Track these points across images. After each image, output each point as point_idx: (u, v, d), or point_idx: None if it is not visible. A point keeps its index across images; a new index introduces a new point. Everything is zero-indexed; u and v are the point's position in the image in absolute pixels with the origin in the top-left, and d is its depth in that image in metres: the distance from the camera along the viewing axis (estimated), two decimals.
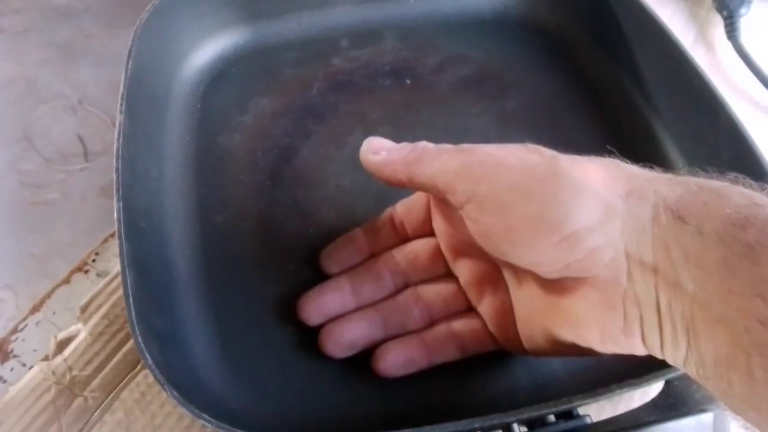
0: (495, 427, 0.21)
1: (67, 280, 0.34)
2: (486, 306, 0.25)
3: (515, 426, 0.23)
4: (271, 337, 0.26)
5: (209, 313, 0.27)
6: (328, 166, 0.32)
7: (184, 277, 0.27)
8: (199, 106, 0.33)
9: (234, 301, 0.27)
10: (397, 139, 0.33)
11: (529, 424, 0.23)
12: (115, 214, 0.24)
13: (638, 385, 0.21)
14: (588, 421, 0.23)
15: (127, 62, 0.29)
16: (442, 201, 0.25)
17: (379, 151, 0.25)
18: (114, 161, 0.26)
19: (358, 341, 0.25)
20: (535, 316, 0.23)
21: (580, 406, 0.22)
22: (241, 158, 0.32)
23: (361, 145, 0.32)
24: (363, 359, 0.26)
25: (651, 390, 0.27)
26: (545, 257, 0.20)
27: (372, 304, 0.26)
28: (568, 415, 0.24)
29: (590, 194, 0.20)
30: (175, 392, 0.20)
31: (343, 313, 0.26)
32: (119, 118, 0.27)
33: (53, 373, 0.30)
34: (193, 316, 0.26)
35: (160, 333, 0.24)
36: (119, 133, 0.26)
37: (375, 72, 0.36)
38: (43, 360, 0.30)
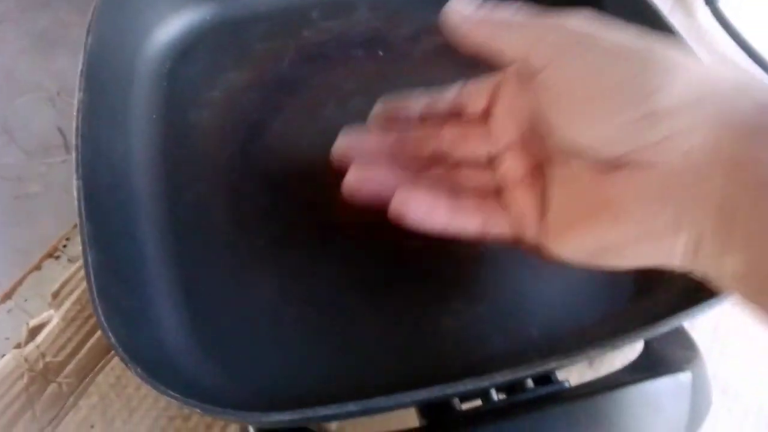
0: (471, 393, 0.21)
1: (38, 267, 0.33)
2: (520, 200, 0.24)
3: (493, 392, 0.23)
4: (244, 314, 0.26)
5: (180, 291, 0.26)
6: (300, 139, 0.31)
7: (153, 255, 0.27)
8: (165, 83, 0.32)
9: (205, 279, 0.27)
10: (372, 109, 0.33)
11: (507, 390, 0.23)
12: (75, 193, 0.24)
13: (613, 344, 0.20)
14: (567, 386, 0.23)
15: (87, 38, 0.28)
16: (506, 82, 0.24)
17: (463, 10, 0.23)
18: (74, 138, 0.25)
19: (385, 185, 0.24)
20: (574, 214, 0.21)
21: (557, 369, 0.21)
22: (210, 134, 0.31)
23: (334, 118, 0.31)
24: (337, 332, 0.26)
25: (630, 354, 0.27)
26: (616, 135, 0.19)
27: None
28: (546, 380, 0.24)
29: (685, 73, 0.18)
30: (139, 369, 0.19)
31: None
32: (78, 95, 0.26)
33: (26, 360, 0.29)
34: (163, 295, 0.26)
35: (127, 312, 0.23)
36: (78, 110, 0.26)
37: (347, 43, 0.35)
38: (15, 348, 0.30)
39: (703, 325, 0.31)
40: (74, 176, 0.24)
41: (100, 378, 0.29)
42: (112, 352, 0.30)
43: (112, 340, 0.20)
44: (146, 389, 0.29)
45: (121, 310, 0.23)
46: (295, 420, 0.19)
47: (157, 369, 0.20)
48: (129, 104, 0.30)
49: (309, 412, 0.19)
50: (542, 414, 0.19)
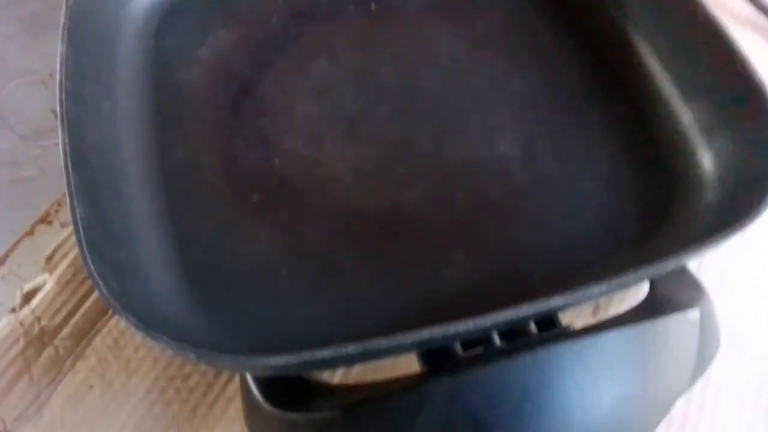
0: (473, 334, 0.20)
1: (30, 233, 0.33)
2: None
3: (495, 337, 0.22)
4: (238, 268, 0.25)
5: (173, 248, 0.26)
6: (292, 95, 0.30)
7: (145, 213, 0.26)
8: (153, 41, 0.31)
9: (198, 235, 0.26)
10: (365, 66, 0.32)
11: (510, 336, 0.22)
12: (60, 145, 0.23)
13: (618, 280, 0.20)
14: (571, 330, 0.22)
15: None
16: None
17: None
18: (57, 92, 0.24)
19: None
20: None
21: (560, 308, 0.21)
22: (199, 93, 0.30)
23: (326, 74, 0.31)
24: (335, 285, 0.25)
25: (635, 301, 0.26)
26: None
27: None
28: (550, 324, 0.23)
29: None
30: (130, 317, 0.19)
31: None
32: (61, 47, 0.25)
33: (21, 324, 0.29)
34: (156, 252, 0.25)
35: (119, 267, 0.23)
36: (62, 64, 0.25)
37: None
38: (10, 312, 0.29)
39: (709, 271, 0.31)
40: (59, 129, 0.23)
41: (97, 340, 0.29)
42: (109, 313, 0.30)
43: (103, 289, 0.19)
44: (145, 351, 0.29)
45: (113, 265, 0.22)
46: (292, 364, 0.18)
47: (150, 319, 0.20)
48: (115, 63, 0.30)
49: (306, 355, 0.18)
50: (546, 353, 0.19)
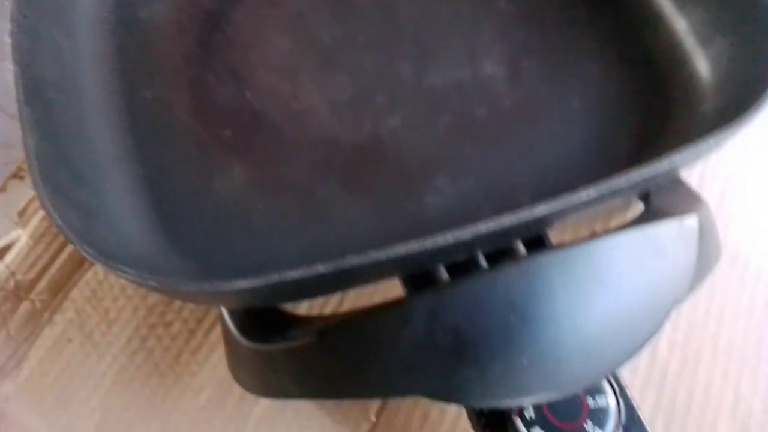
0: (454, 251, 0.19)
1: (3, 189, 0.31)
2: None
3: (481, 259, 0.21)
4: (212, 204, 0.24)
5: (142, 188, 0.24)
6: (263, 27, 0.29)
7: (111, 153, 0.25)
8: None
9: (168, 173, 0.25)
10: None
11: (495, 256, 0.21)
12: (13, 79, 0.22)
13: (609, 186, 0.18)
14: None
15: None
16: None
17: None
18: (9, 23, 0.23)
19: None
20: None
21: (548, 221, 0.19)
22: (166, 28, 0.29)
23: (297, 4, 0.29)
24: (313, 218, 0.24)
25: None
26: None
27: None
28: (539, 243, 0.22)
29: None
30: (86, 247, 0.18)
31: None
32: None
33: None
34: (125, 192, 0.24)
35: (82, 205, 0.21)
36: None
37: None
38: None
39: (709, 194, 0.29)
40: (11, 61, 0.22)
41: (74, 293, 0.28)
42: (86, 265, 0.29)
43: (56, 219, 0.18)
44: (124, 300, 0.28)
45: (76, 203, 0.21)
46: (260, 287, 0.17)
47: (116, 256, 0.19)
48: (75, 1, 0.28)
49: (274, 278, 0.17)
50: (533, 264, 0.18)
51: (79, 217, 0.20)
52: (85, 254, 0.18)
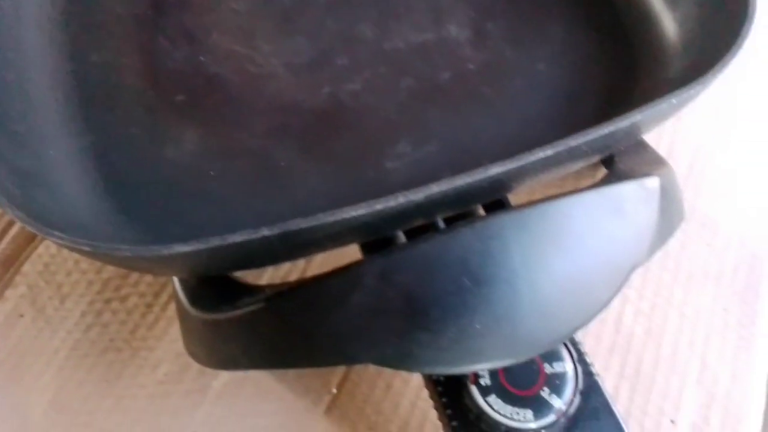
0: (408, 213, 0.18)
1: None
2: None
3: (440, 223, 0.20)
4: (163, 171, 0.23)
5: (89, 155, 0.23)
6: None
7: (55, 120, 0.24)
8: None
9: (118, 142, 0.24)
10: None
11: (453, 218, 0.20)
12: None
13: (565, 142, 0.17)
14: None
15: None
16: None
17: None
18: None
19: None
20: None
21: (504, 181, 0.19)
22: None
23: None
24: (269, 185, 0.23)
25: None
26: None
27: None
28: (499, 205, 0.21)
29: None
30: (17, 211, 0.17)
31: None
32: None
33: None
34: (70, 159, 0.23)
35: (23, 172, 0.20)
36: None
37: None
38: None
39: (679, 162, 0.29)
40: None
41: (26, 267, 0.27)
42: (38, 239, 0.28)
43: None
44: (78, 274, 0.27)
45: (15, 170, 0.20)
46: (201, 252, 0.16)
47: (48, 218, 0.18)
48: None
49: (216, 241, 0.16)
50: (488, 225, 0.17)
51: (14, 182, 0.19)
52: (14, 217, 0.17)
